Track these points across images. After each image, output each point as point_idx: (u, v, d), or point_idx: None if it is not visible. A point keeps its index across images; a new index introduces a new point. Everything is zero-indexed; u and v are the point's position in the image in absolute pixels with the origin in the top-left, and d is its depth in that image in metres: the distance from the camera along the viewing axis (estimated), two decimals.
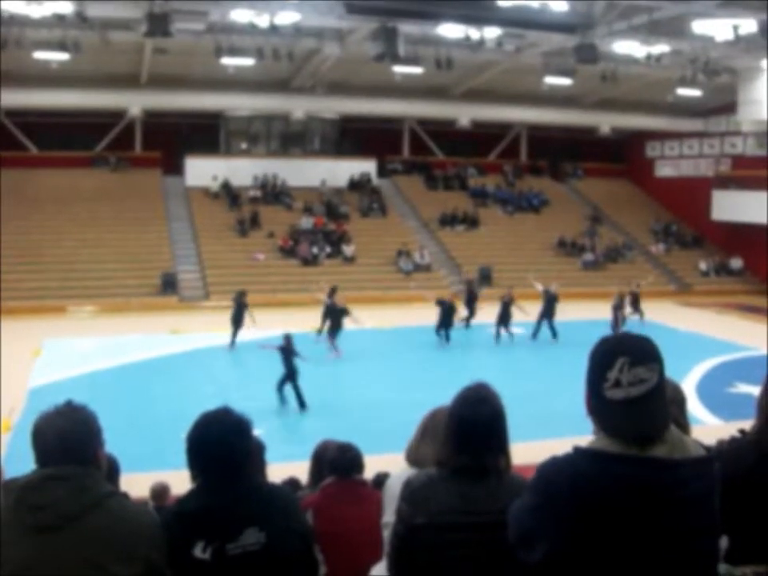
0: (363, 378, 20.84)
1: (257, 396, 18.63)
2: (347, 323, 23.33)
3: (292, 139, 43.10)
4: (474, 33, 27.55)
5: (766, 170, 36.41)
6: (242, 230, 36.64)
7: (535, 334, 25.62)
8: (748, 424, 3.27)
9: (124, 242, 33.94)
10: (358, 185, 41.78)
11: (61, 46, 28.05)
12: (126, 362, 20.69)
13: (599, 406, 2.51)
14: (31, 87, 33.48)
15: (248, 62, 30.60)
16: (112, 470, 5.55)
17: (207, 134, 41.49)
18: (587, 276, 36.87)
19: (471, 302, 27.41)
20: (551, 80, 34.37)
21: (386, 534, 3.51)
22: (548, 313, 25.67)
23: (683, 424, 3.23)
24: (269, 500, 3.21)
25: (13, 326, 25.03)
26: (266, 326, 23.19)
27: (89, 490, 2.83)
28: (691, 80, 32.11)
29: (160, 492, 8.48)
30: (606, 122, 42.99)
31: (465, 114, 40.78)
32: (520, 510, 2.65)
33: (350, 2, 25.89)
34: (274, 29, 26.52)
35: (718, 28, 26.29)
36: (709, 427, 15.27)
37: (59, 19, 24.75)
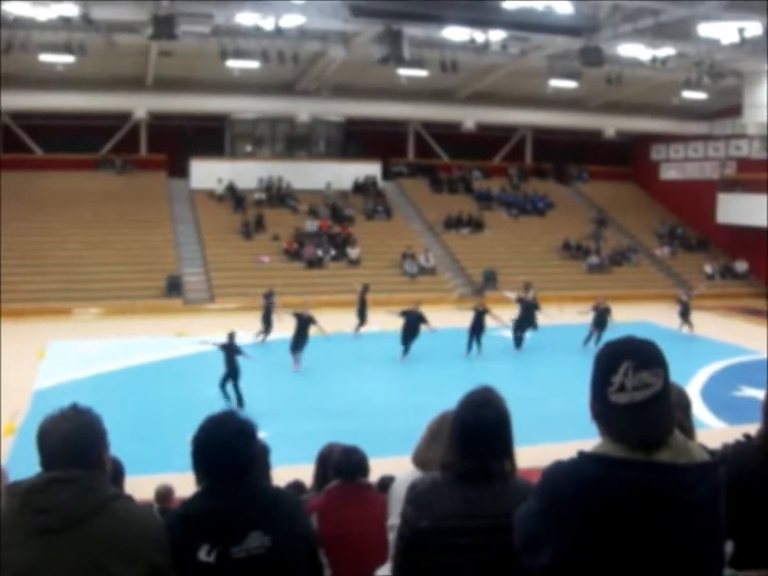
0: (368, 380, 20.82)
1: (261, 399, 18.68)
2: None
3: (297, 142, 43.13)
4: (478, 36, 27.54)
5: None
6: (247, 233, 36.66)
7: (518, 343, 24.90)
8: (753, 428, 3.27)
9: (129, 244, 33.99)
10: (363, 187, 41.81)
11: (66, 49, 28.11)
12: (130, 364, 20.71)
13: (604, 410, 2.51)
14: (36, 89, 33.58)
15: (253, 64, 30.63)
16: (116, 473, 5.56)
17: (212, 136, 41.55)
18: (592, 279, 36.83)
19: (530, 309, 26.31)
20: (556, 83, 34.38)
21: (391, 537, 3.51)
22: (525, 321, 24.98)
23: (688, 428, 3.22)
24: (274, 503, 3.20)
25: (17, 328, 25.08)
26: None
27: (93, 492, 2.83)
28: (696, 83, 32.06)
29: (164, 494, 8.50)
30: (611, 125, 42.96)
31: (470, 117, 40.79)
32: (525, 515, 2.65)
33: (355, 4, 25.89)
34: (279, 31, 26.54)
35: (723, 31, 26.23)
36: (714, 431, 15.26)
37: (65, 22, 24.79)
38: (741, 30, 25.72)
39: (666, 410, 2.50)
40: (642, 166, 47.24)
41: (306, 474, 7.03)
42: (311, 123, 41.05)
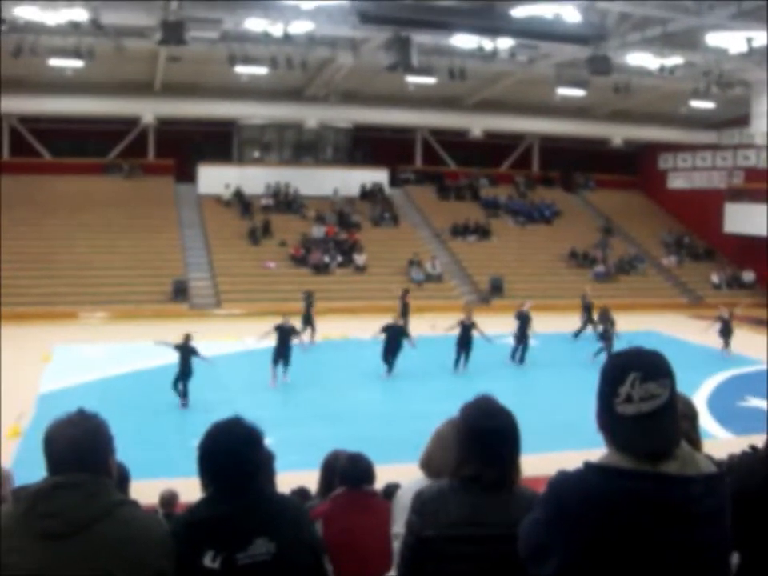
0: (374, 387, 20.82)
1: (267, 404, 18.68)
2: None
3: (305, 148, 43.23)
4: (487, 43, 27.54)
5: None
6: (254, 238, 36.69)
7: (520, 357, 24.17)
8: (760, 438, 3.26)
9: (136, 248, 34.05)
10: (370, 194, 41.84)
11: (75, 54, 28.22)
12: (136, 368, 20.72)
13: (610, 421, 2.51)
14: (45, 94, 33.69)
15: (261, 70, 30.68)
16: (122, 478, 5.56)
17: (220, 142, 41.66)
18: (598, 288, 36.72)
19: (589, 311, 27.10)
20: (564, 91, 34.41)
21: (396, 545, 3.50)
22: (520, 334, 24.24)
23: (695, 439, 3.22)
24: (279, 510, 3.20)
25: (24, 332, 25.14)
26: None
27: (99, 498, 2.83)
28: (704, 92, 32.05)
29: (169, 499, 8.50)
30: (618, 134, 42.98)
31: (477, 125, 40.82)
32: (531, 525, 2.65)
33: (363, 11, 25.92)
34: (287, 38, 26.56)
35: (731, 40, 26.23)
36: (720, 441, 15.21)
37: (74, 27, 24.84)
38: (749, 40, 25.72)
39: (672, 421, 2.50)
40: (650, 175, 47.22)
41: (311, 480, 7.02)
42: (319, 129, 41.14)
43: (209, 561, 3.01)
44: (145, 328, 27.82)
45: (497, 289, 35.16)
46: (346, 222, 39.34)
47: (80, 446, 2.87)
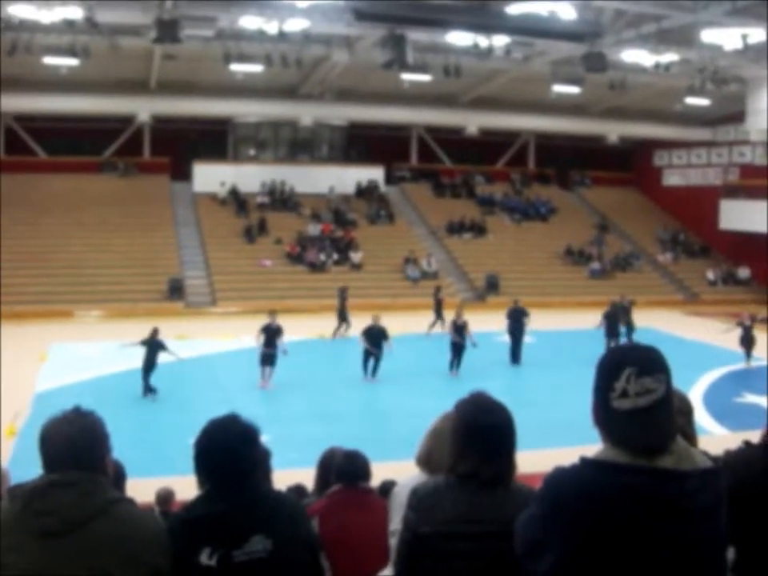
0: (370, 385, 20.81)
1: (263, 402, 18.71)
2: None
3: (300, 146, 43.19)
4: (482, 41, 27.54)
5: None
6: (250, 237, 36.67)
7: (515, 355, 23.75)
8: (755, 434, 3.27)
9: (131, 247, 34.01)
10: (366, 192, 41.83)
11: (70, 52, 28.15)
12: (132, 367, 20.64)
13: (606, 416, 2.51)
14: (40, 92, 33.63)
15: (257, 68, 30.68)
16: (118, 476, 5.57)
17: (215, 140, 41.65)
18: (594, 285, 36.79)
19: (625, 315, 25.66)
20: (559, 88, 34.41)
21: (393, 542, 3.50)
22: (515, 331, 23.82)
23: (690, 434, 3.22)
24: (275, 507, 3.20)
25: (19, 330, 25.10)
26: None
27: (95, 496, 2.83)
28: (699, 89, 32.05)
29: (165, 497, 8.50)
30: (613, 131, 42.99)
31: (473, 122, 40.82)
32: (527, 521, 2.65)
33: (358, 8, 25.90)
34: (282, 35, 26.53)
35: (726, 37, 26.24)
36: (716, 437, 15.24)
37: (69, 25, 24.79)
38: (744, 37, 25.72)
39: (668, 416, 2.50)
40: (645, 172, 47.25)
41: (307, 477, 7.03)
42: (314, 127, 41.11)
43: (205, 558, 3.01)
44: (140, 327, 27.66)
45: (492, 286, 35.18)
46: (342, 219, 39.33)
47: (76, 444, 2.87)
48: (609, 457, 2.47)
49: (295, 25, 26.35)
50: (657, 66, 29.37)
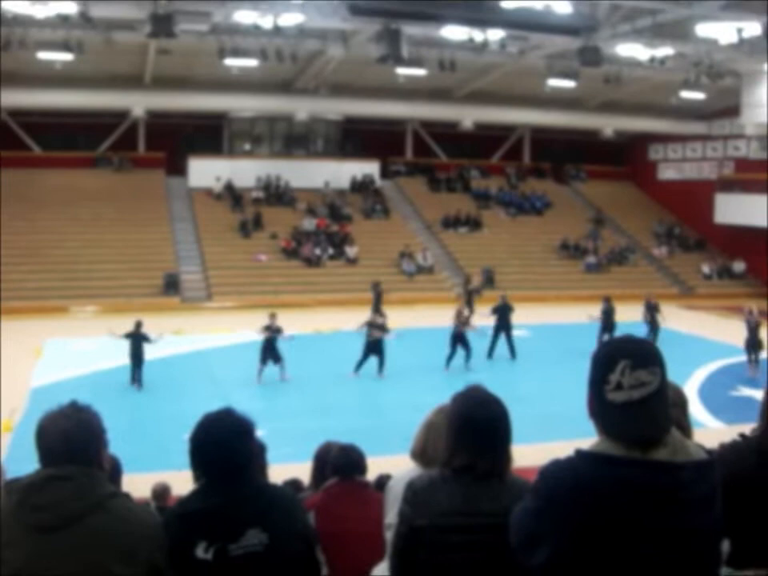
0: (366, 379, 20.81)
1: (259, 396, 18.72)
2: None
3: (295, 140, 43.16)
4: (477, 35, 27.54)
5: None
6: (245, 231, 36.64)
7: (509, 350, 23.53)
8: (750, 427, 3.27)
9: (126, 242, 33.96)
10: (361, 186, 41.81)
11: (64, 47, 28.13)
12: (127, 362, 20.65)
13: (601, 408, 2.52)
14: (35, 87, 33.55)
15: (251, 63, 30.63)
16: (114, 471, 5.56)
17: (210, 134, 41.60)
18: (589, 279, 36.85)
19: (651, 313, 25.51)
20: (554, 82, 34.43)
21: (388, 535, 3.51)
22: (502, 326, 23.67)
23: (685, 427, 3.23)
24: (271, 501, 3.21)
25: (15, 326, 25.05)
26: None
27: (91, 490, 2.83)
28: (695, 83, 32.09)
29: (161, 492, 8.50)
30: (609, 125, 43.00)
31: (468, 116, 40.80)
32: (522, 513, 2.65)
33: (353, 3, 25.89)
34: (277, 30, 26.54)
35: (721, 31, 26.27)
36: (711, 430, 15.26)
37: (63, 20, 24.77)
38: (739, 30, 25.75)
39: (663, 409, 2.50)
40: (640, 166, 47.28)
41: (303, 471, 7.03)
42: (309, 122, 41.08)
43: (201, 552, 3.01)
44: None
45: (488, 280, 35.18)
46: (337, 214, 39.31)
47: (72, 439, 2.87)
48: (604, 449, 2.48)
49: (290, 19, 26.35)
50: (652, 59, 29.43)
